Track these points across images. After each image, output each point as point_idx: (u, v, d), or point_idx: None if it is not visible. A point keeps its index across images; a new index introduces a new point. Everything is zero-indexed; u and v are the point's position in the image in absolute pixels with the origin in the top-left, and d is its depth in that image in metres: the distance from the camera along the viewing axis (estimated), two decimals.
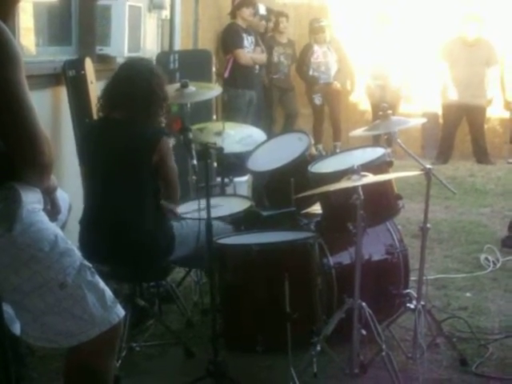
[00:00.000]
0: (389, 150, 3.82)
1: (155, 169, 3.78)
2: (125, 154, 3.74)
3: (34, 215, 2.35)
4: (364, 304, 3.50)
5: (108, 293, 2.48)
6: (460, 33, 9.66)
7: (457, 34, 9.70)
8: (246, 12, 8.95)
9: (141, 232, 3.73)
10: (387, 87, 9.83)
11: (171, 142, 3.94)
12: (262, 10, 9.66)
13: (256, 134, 4.85)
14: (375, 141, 7.99)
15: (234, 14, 9.02)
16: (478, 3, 9.96)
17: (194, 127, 4.37)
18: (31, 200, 2.35)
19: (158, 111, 3.88)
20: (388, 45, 9.78)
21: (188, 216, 3.99)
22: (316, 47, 9.96)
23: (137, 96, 3.78)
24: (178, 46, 7.73)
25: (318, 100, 10.06)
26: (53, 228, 2.41)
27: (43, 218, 2.41)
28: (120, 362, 3.67)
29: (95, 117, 5.13)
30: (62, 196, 2.80)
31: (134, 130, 3.77)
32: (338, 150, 4.34)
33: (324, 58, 9.96)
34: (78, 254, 2.44)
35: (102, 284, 2.47)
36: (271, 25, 9.96)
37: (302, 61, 10.07)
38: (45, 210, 2.47)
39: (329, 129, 10.25)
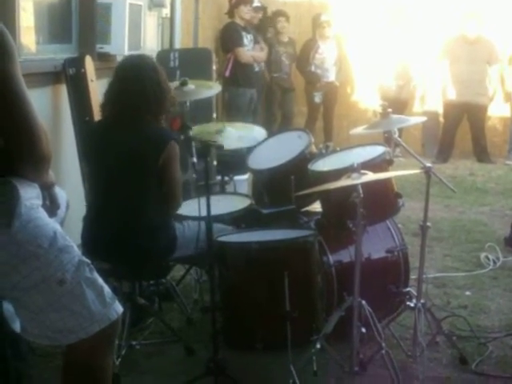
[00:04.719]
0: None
1: (160, 172, 3.72)
2: (131, 155, 3.70)
3: (33, 211, 2.34)
4: (364, 302, 3.50)
5: (106, 289, 2.48)
6: (461, 31, 9.66)
7: (458, 32, 9.70)
8: (244, 10, 8.88)
9: (143, 231, 3.72)
10: (406, 87, 9.80)
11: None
12: (256, 2, 9.40)
13: (256, 131, 4.85)
14: (386, 141, 7.96)
15: (231, 12, 8.94)
16: (478, 1, 9.95)
17: (194, 128, 4.35)
18: (30, 196, 2.34)
19: (168, 108, 3.85)
20: (404, 44, 9.72)
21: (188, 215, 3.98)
22: (320, 42, 9.84)
23: (149, 94, 3.73)
24: (178, 45, 7.73)
25: (318, 98, 9.92)
26: (52, 224, 2.40)
27: (42, 214, 2.40)
28: (120, 360, 3.67)
29: (97, 116, 5.12)
30: (60, 193, 2.79)
31: (141, 131, 3.72)
32: (338, 149, 4.32)
33: (328, 54, 9.87)
34: (76, 250, 2.43)
35: (100, 280, 2.47)
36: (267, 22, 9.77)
37: (304, 57, 9.91)
38: (44, 205, 2.46)
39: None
